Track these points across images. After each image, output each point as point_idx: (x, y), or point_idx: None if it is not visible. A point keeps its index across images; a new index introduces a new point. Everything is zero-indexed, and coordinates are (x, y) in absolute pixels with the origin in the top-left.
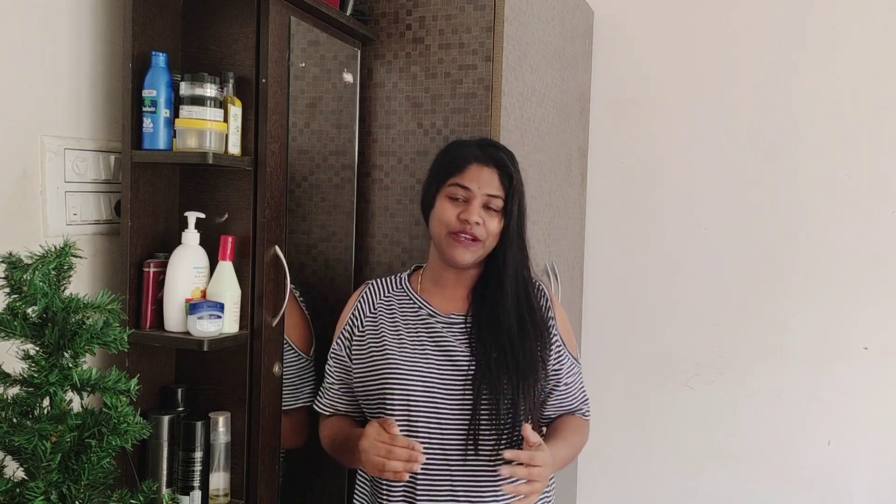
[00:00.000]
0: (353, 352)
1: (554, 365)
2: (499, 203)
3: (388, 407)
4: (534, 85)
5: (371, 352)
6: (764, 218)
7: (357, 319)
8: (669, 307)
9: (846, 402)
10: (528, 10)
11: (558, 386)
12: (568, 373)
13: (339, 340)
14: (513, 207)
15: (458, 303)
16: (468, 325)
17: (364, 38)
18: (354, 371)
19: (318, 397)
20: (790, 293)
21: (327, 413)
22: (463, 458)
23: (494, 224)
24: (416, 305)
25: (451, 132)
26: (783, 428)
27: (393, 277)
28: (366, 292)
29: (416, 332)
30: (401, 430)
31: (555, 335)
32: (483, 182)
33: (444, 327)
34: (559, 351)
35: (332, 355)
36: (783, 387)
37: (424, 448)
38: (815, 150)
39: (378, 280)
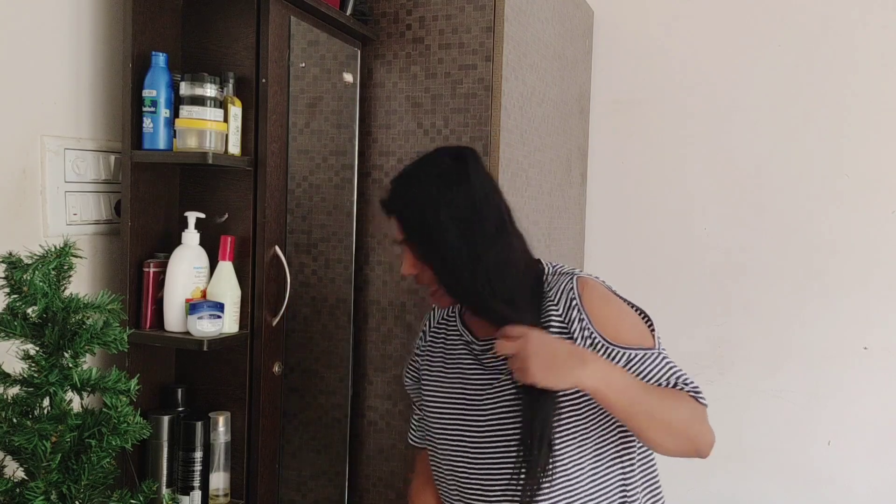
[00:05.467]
0: (420, 370)
1: None
2: (413, 245)
3: (429, 434)
4: (534, 85)
5: (419, 378)
6: (764, 218)
7: (421, 339)
8: (669, 307)
9: (846, 402)
10: (528, 10)
11: None
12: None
13: (406, 370)
14: (413, 237)
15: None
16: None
17: (364, 38)
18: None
19: (410, 431)
20: (790, 293)
21: (419, 446)
22: (503, 494)
23: (429, 268)
24: (458, 332)
25: (450, 132)
26: (783, 428)
27: None
28: (427, 318)
29: (452, 362)
30: (443, 477)
31: (587, 338)
32: (393, 231)
33: (473, 357)
34: (606, 350)
35: (407, 386)
36: (783, 387)
37: (458, 476)
38: (815, 150)
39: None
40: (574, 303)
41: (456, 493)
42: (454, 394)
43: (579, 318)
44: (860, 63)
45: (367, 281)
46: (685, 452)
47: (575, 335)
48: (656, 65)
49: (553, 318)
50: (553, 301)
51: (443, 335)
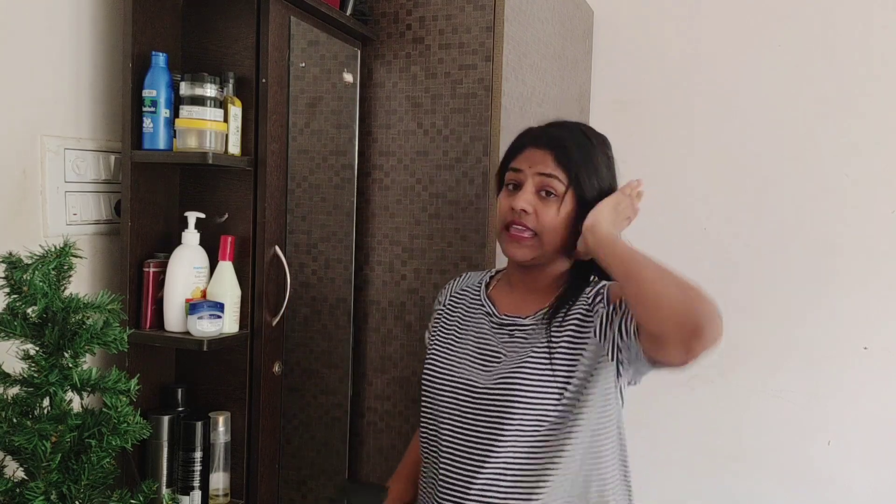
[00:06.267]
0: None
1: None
2: (558, 186)
3: (421, 406)
4: (534, 85)
5: (426, 347)
6: (763, 218)
7: (435, 310)
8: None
9: (846, 402)
10: (528, 10)
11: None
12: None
13: (428, 329)
14: (583, 185)
15: (520, 305)
16: (518, 327)
17: (364, 38)
18: None
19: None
20: (790, 293)
21: None
22: (481, 465)
23: (551, 213)
24: (479, 303)
25: (450, 132)
26: (783, 428)
27: (483, 272)
28: (449, 283)
29: (467, 333)
30: (427, 430)
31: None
32: (534, 161)
33: (493, 329)
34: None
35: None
36: (783, 387)
37: (446, 453)
38: (814, 150)
39: (469, 273)
40: (601, 290)
41: (434, 457)
42: (462, 358)
43: (601, 300)
44: (860, 63)
45: (367, 281)
46: (685, 314)
47: (595, 308)
48: (656, 65)
49: (580, 306)
50: (587, 295)
51: (463, 302)
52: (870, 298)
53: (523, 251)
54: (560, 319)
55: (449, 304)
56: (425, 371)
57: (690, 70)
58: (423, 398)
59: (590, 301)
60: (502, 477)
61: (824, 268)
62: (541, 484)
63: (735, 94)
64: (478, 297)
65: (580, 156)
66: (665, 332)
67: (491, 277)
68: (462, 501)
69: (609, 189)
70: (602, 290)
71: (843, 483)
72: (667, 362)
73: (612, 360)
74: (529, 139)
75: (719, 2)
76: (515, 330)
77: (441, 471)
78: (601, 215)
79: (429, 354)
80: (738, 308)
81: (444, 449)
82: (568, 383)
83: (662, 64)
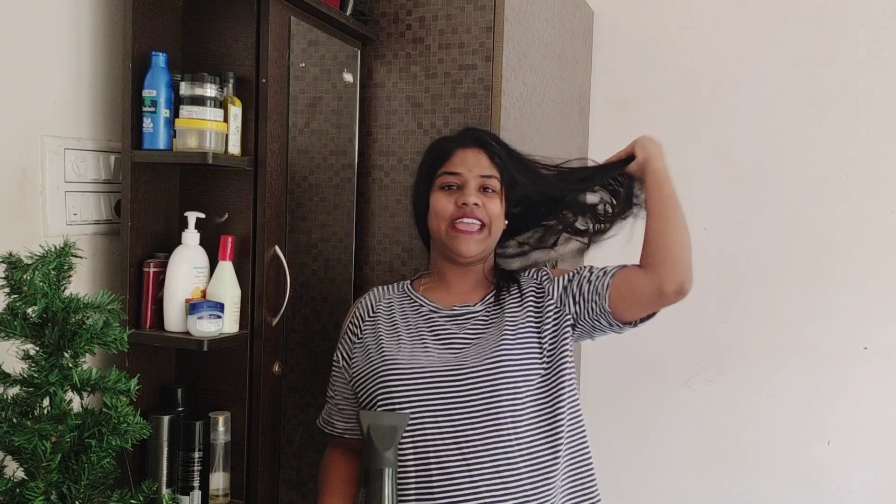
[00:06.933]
0: (353, 358)
1: (566, 293)
2: (494, 183)
3: (390, 405)
4: (534, 85)
5: (369, 354)
6: (763, 218)
7: (356, 326)
8: (669, 307)
9: (846, 401)
10: (528, 10)
11: (584, 284)
12: (581, 275)
13: (338, 350)
14: (515, 178)
15: (462, 297)
16: (470, 314)
17: (364, 38)
18: (354, 378)
19: (329, 420)
20: (790, 293)
21: (326, 431)
22: (480, 447)
23: (496, 206)
24: (417, 303)
25: (450, 132)
26: (783, 428)
27: (395, 283)
28: (365, 298)
29: (417, 328)
30: (410, 426)
31: (555, 285)
32: (471, 163)
33: (446, 320)
34: (571, 276)
35: (333, 366)
36: (783, 386)
37: (436, 442)
38: (814, 150)
39: (379, 287)
40: (545, 272)
41: (421, 451)
42: (425, 351)
43: (548, 278)
44: (861, 63)
45: (367, 281)
46: (685, 263)
47: (545, 286)
48: (656, 65)
49: (530, 285)
50: (529, 276)
51: (393, 309)
52: (870, 298)
53: (473, 245)
54: (517, 297)
55: (380, 313)
56: (391, 372)
57: (690, 70)
58: (393, 396)
59: (538, 281)
60: (508, 446)
61: (824, 268)
62: (545, 446)
63: (735, 94)
64: (411, 300)
65: (504, 151)
66: (665, 269)
67: (410, 284)
68: (470, 484)
69: (524, 168)
70: (546, 271)
71: (843, 483)
72: (644, 294)
73: (572, 315)
74: (456, 143)
75: (719, 2)
76: (470, 317)
77: (433, 462)
78: (654, 149)
79: (384, 357)
80: (739, 308)
81: (433, 439)
82: (542, 347)
83: (662, 64)
